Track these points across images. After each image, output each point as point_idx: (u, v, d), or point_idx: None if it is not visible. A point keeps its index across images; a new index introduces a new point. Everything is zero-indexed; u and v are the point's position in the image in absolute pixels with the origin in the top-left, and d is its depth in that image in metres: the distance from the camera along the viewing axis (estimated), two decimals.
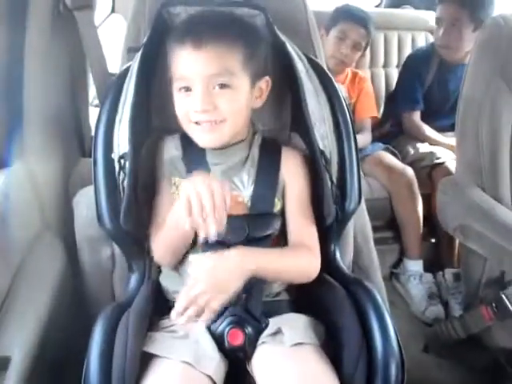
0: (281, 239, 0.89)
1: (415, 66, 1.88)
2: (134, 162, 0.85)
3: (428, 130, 1.85)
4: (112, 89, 0.93)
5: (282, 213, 0.90)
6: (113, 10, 2.14)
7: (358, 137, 1.72)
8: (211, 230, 0.71)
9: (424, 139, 1.84)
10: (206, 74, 0.81)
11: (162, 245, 0.85)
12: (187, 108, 0.84)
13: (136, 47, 0.94)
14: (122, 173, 0.86)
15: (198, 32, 0.81)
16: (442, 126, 1.87)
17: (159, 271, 0.92)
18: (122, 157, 0.86)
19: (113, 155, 0.88)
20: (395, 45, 2.12)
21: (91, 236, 0.97)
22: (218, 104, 0.82)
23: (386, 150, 1.83)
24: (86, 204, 0.97)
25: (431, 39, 2.11)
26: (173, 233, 0.82)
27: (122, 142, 0.87)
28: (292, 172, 0.91)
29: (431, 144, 1.82)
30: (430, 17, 2.09)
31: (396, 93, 1.97)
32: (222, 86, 0.82)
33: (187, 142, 0.90)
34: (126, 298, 0.86)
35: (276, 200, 0.89)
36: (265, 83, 0.89)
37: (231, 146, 0.89)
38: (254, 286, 0.82)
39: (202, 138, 0.86)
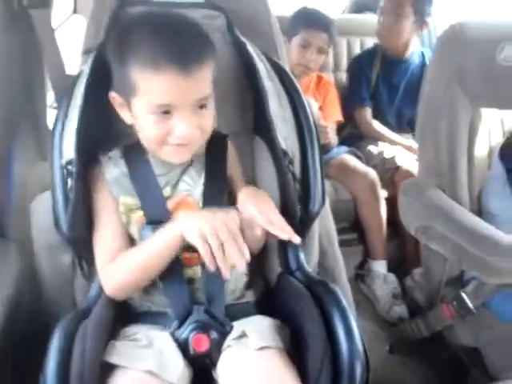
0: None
1: (359, 65, 1.97)
2: (80, 169, 0.82)
3: (379, 126, 1.92)
4: (67, 92, 0.90)
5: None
6: (74, 11, 2.10)
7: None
8: (239, 261, 0.70)
9: (378, 137, 1.90)
10: (193, 99, 0.77)
11: (124, 277, 0.81)
12: (166, 130, 0.79)
13: (92, 49, 0.92)
14: (69, 179, 0.83)
15: (180, 56, 0.74)
16: (393, 125, 1.94)
17: None
18: (68, 162, 0.83)
19: (61, 160, 0.85)
20: (358, 50, 2.17)
21: (50, 242, 0.93)
22: (200, 125, 0.80)
23: (351, 152, 1.86)
24: (44, 209, 0.93)
25: None
26: (150, 263, 0.79)
27: (67, 148, 0.84)
28: (234, 162, 0.92)
29: (383, 141, 1.88)
30: None
31: (345, 94, 2.03)
32: (202, 106, 0.79)
33: (131, 158, 0.87)
34: (86, 306, 0.83)
35: (226, 196, 0.88)
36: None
37: None
38: (216, 288, 0.81)
39: (177, 156, 0.83)
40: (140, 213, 0.85)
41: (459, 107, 1.27)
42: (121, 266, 0.81)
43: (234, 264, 0.71)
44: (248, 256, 0.71)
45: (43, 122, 1.25)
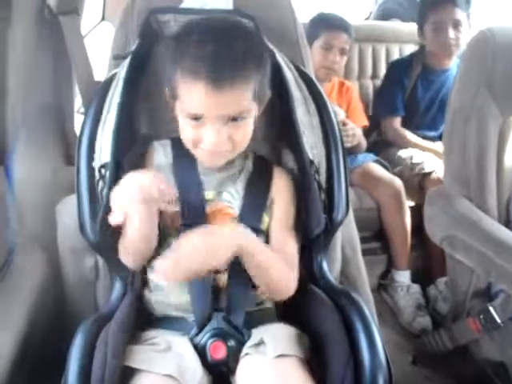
0: None
1: (396, 73, 1.92)
2: (114, 172, 0.83)
3: (409, 135, 1.88)
4: (97, 96, 0.92)
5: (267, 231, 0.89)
6: (103, 18, 2.14)
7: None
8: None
9: (405, 144, 1.87)
10: (222, 114, 0.78)
11: (126, 250, 0.83)
12: (198, 136, 0.81)
13: (122, 54, 0.93)
14: (101, 182, 0.84)
15: (216, 68, 0.74)
16: (426, 135, 1.90)
17: (144, 283, 0.89)
18: (102, 166, 0.84)
19: (93, 164, 0.86)
20: (383, 56, 2.14)
21: (74, 246, 0.95)
22: (230, 136, 0.80)
23: (377, 162, 1.84)
24: (68, 213, 0.95)
25: None
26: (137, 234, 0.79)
27: (103, 151, 0.85)
28: (281, 193, 0.90)
29: (413, 148, 1.84)
30: (416, 29, 2.11)
31: (377, 100, 2.01)
32: (235, 119, 0.80)
33: (178, 151, 0.89)
34: (108, 310, 0.84)
35: (264, 216, 0.88)
36: (267, 97, 0.87)
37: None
38: (239, 297, 0.81)
39: (209, 160, 0.85)
40: (176, 207, 0.84)
41: (488, 115, 1.24)
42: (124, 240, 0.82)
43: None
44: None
45: (70, 127, 1.27)
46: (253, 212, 0.87)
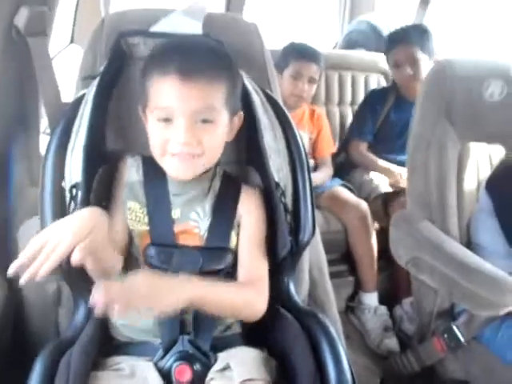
0: (234, 275, 0.88)
1: (371, 101, 2.01)
2: (86, 192, 0.83)
3: (371, 156, 1.94)
4: (64, 117, 0.91)
5: (236, 249, 0.89)
6: (72, 41, 2.14)
7: (320, 173, 1.82)
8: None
9: (368, 165, 1.92)
10: (191, 108, 0.78)
11: None
12: (167, 138, 0.80)
13: (91, 75, 0.94)
14: (72, 203, 0.83)
15: (185, 63, 0.78)
16: (397, 160, 1.93)
17: None
18: (74, 186, 0.83)
19: (63, 184, 0.85)
20: (349, 83, 2.21)
21: None
22: (200, 138, 0.80)
23: (343, 185, 1.87)
24: (31, 235, 0.92)
25: (382, 80, 2.23)
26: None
27: (74, 171, 0.84)
28: (249, 210, 0.90)
29: (377, 170, 1.90)
30: (380, 58, 2.20)
31: (350, 126, 2.08)
32: (205, 120, 0.80)
33: (149, 168, 0.88)
34: (70, 335, 0.81)
35: (233, 234, 0.88)
36: (238, 118, 0.89)
37: (195, 178, 0.88)
38: (203, 320, 0.80)
39: (177, 169, 0.83)
40: (145, 226, 0.84)
41: (448, 141, 1.29)
42: None
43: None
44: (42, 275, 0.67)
45: (35, 148, 1.25)
46: (220, 231, 0.87)
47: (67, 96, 1.11)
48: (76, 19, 2.11)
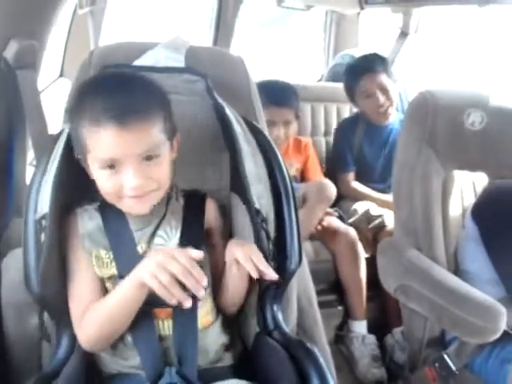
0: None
1: (342, 132, 2.05)
2: (55, 224, 0.82)
3: (361, 188, 1.97)
4: (48, 150, 0.91)
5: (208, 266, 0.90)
6: (61, 74, 2.16)
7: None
8: (197, 289, 0.71)
9: (360, 197, 1.93)
10: (134, 154, 0.78)
11: (96, 330, 0.80)
12: (117, 184, 0.80)
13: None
14: (42, 234, 0.82)
15: (118, 110, 0.77)
16: (375, 188, 1.98)
17: None
18: (42, 217, 0.82)
19: (35, 216, 0.84)
20: (334, 115, 2.26)
21: (19, 301, 0.90)
22: (150, 175, 0.81)
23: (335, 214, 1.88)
24: (14, 267, 0.91)
25: None
26: (117, 314, 0.79)
27: (44, 203, 0.83)
28: (214, 222, 0.94)
29: (367, 200, 1.91)
30: None
31: (329, 159, 2.12)
32: (149, 157, 0.81)
33: (107, 212, 0.88)
34: (53, 369, 0.80)
35: (203, 248, 0.87)
36: (176, 138, 0.89)
37: (151, 209, 0.87)
38: (187, 348, 0.79)
39: (136, 207, 0.84)
40: (113, 269, 0.84)
41: (432, 170, 1.32)
42: (91, 318, 0.81)
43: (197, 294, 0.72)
44: (205, 282, 0.72)
45: (21, 180, 1.24)
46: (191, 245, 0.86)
47: (56, 129, 1.11)
48: (66, 52, 2.14)
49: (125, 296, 0.78)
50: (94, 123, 0.78)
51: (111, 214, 0.87)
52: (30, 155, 1.31)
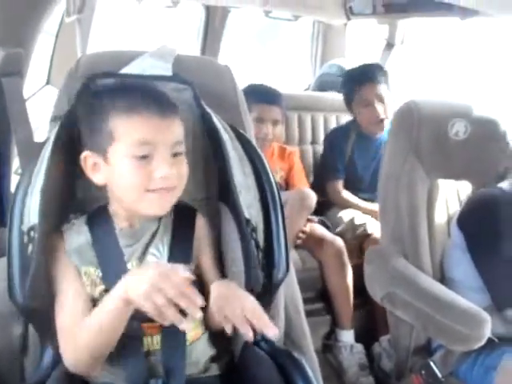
0: None
1: (335, 139, 2.04)
2: (44, 235, 0.80)
3: (349, 196, 1.97)
4: (34, 158, 0.90)
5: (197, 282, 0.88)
6: (48, 82, 2.15)
7: None
8: (194, 311, 0.69)
9: (348, 206, 1.94)
10: (172, 141, 0.81)
11: (84, 352, 0.77)
12: (145, 175, 0.80)
13: (60, 116, 0.93)
14: (30, 245, 0.80)
15: (158, 99, 0.82)
16: (364, 197, 1.99)
17: None
18: (31, 228, 0.81)
19: (22, 226, 0.83)
20: (321, 124, 2.27)
21: (1, 312, 0.89)
22: (179, 171, 0.83)
23: (319, 222, 1.88)
24: None
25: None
26: (104, 336, 0.76)
27: (32, 213, 0.82)
28: (203, 236, 0.93)
29: (356, 209, 1.92)
30: None
31: (319, 167, 2.12)
32: (175, 154, 0.83)
33: (95, 226, 0.86)
34: (36, 381, 0.79)
35: (191, 266, 0.88)
36: None
37: (143, 222, 0.87)
38: (175, 361, 0.79)
39: (156, 205, 0.83)
40: (102, 286, 0.82)
41: (417, 179, 1.33)
42: (80, 337, 0.78)
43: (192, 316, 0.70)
44: (202, 301, 0.70)
45: (6, 188, 1.23)
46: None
47: (41, 137, 1.10)
48: (53, 60, 2.13)
49: (111, 313, 0.75)
50: (132, 109, 0.80)
51: (100, 228, 0.86)
52: (15, 163, 1.30)
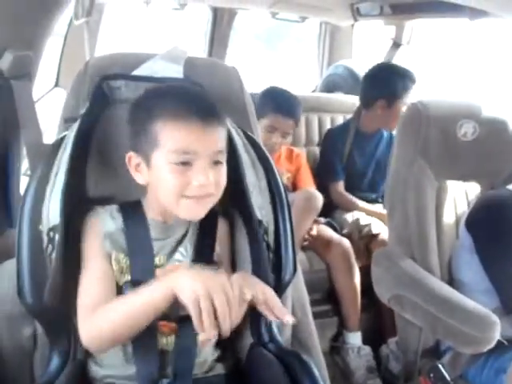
0: None
1: (332, 140, 2.03)
2: (64, 235, 0.81)
3: (352, 198, 1.96)
4: (44, 159, 0.91)
5: None
6: (56, 84, 2.17)
7: None
8: (227, 329, 0.68)
9: (351, 207, 1.94)
10: (212, 151, 0.81)
11: (108, 328, 0.77)
12: (186, 181, 0.80)
13: (73, 118, 0.94)
14: (50, 245, 0.81)
15: (201, 106, 0.82)
16: (367, 197, 1.99)
17: (87, 352, 0.85)
18: (51, 229, 0.82)
19: (40, 227, 0.83)
20: (328, 125, 2.26)
21: (11, 313, 0.89)
22: (214, 178, 0.81)
23: (327, 223, 1.88)
24: (7, 278, 0.90)
25: None
26: (132, 321, 0.76)
27: (52, 214, 0.83)
28: (223, 238, 0.93)
29: (359, 210, 1.91)
30: (358, 101, 2.27)
31: (319, 168, 2.09)
32: (216, 162, 0.82)
33: (129, 215, 0.87)
34: (45, 381, 0.79)
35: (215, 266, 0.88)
36: None
37: (176, 219, 0.87)
38: (185, 362, 0.79)
39: (192, 211, 0.83)
40: (127, 276, 0.83)
41: (425, 180, 1.33)
42: (102, 315, 0.77)
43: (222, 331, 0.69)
44: (237, 322, 0.70)
45: (15, 189, 1.24)
46: (202, 267, 0.85)
47: (50, 139, 1.11)
48: (61, 62, 2.15)
49: (150, 301, 0.74)
50: (177, 116, 0.80)
51: (133, 218, 0.86)
52: (24, 165, 1.31)
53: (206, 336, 0.68)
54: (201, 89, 0.93)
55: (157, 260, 0.85)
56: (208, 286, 0.69)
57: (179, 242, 0.88)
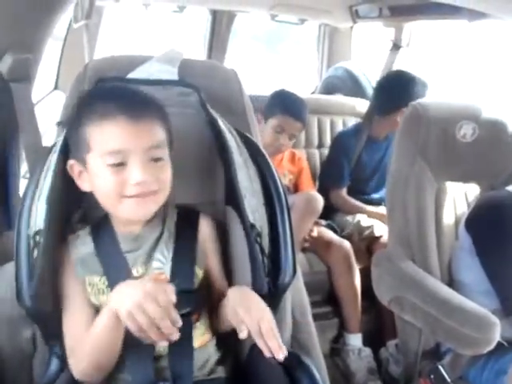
0: (201, 315, 0.88)
1: (343, 143, 2.00)
2: (49, 240, 0.81)
3: (353, 201, 1.95)
4: (41, 162, 0.91)
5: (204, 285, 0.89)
6: (56, 87, 2.17)
7: None
8: (172, 334, 0.70)
9: (353, 211, 1.93)
10: (143, 146, 0.79)
11: (87, 363, 0.79)
12: (122, 181, 0.79)
13: (64, 121, 0.94)
14: (35, 250, 0.81)
15: (128, 104, 0.80)
16: (372, 198, 1.98)
17: None
18: (37, 233, 0.82)
19: (29, 230, 0.83)
20: (328, 127, 2.27)
21: (11, 315, 0.89)
22: (153, 174, 0.81)
23: (327, 226, 1.88)
24: (6, 281, 0.90)
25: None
26: (104, 348, 0.77)
27: (38, 218, 0.83)
28: (209, 237, 0.93)
29: (361, 213, 1.91)
30: (357, 103, 2.28)
31: (324, 170, 2.09)
32: (155, 159, 0.81)
33: (99, 234, 0.87)
34: (45, 383, 0.79)
35: (197, 269, 0.88)
36: (171, 153, 0.89)
37: (145, 227, 0.87)
38: (183, 365, 0.79)
39: (135, 211, 0.82)
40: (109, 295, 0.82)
41: (425, 181, 1.33)
42: (80, 350, 0.79)
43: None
44: (180, 324, 0.71)
45: (14, 192, 1.24)
46: (184, 270, 0.86)
47: (49, 141, 1.11)
48: (61, 65, 2.15)
49: (105, 326, 0.76)
50: (103, 117, 0.79)
51: (103, 238, 0.86)
52: (23, 168, 1.31)
53: (160, 343, 0.72)
54: (137, 89, 0.89)
55: (134, 272, 0.85)
56: (135, 300, 0.70)
57: (153, 249, 0.87)
